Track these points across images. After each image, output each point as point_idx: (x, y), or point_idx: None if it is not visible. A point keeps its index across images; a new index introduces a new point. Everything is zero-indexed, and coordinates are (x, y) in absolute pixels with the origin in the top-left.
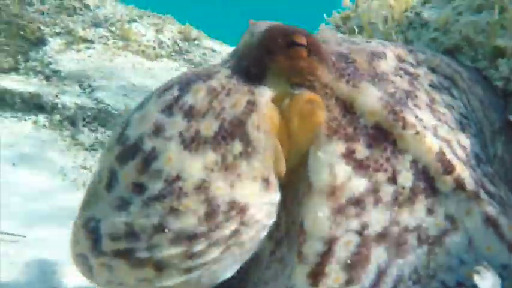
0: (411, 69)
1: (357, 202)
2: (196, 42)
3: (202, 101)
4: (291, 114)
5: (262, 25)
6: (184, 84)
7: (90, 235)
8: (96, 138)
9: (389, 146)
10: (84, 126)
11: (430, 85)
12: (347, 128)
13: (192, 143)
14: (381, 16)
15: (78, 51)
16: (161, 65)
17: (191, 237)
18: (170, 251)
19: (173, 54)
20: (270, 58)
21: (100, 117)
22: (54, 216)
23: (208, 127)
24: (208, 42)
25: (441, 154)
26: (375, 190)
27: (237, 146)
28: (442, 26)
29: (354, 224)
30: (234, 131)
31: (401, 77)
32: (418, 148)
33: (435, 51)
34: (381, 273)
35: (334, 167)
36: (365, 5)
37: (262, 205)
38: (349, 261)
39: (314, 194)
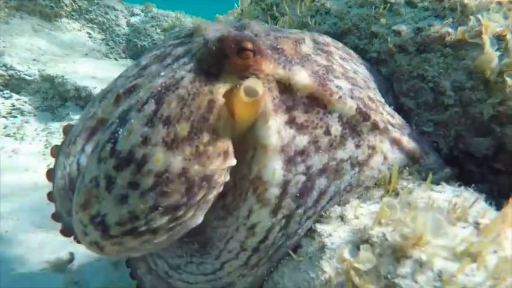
0: (325, 48)
1: (302, 152)
2: (96, 0)
3: (175, 109)
4: (240, 96)
5: (214, 32)
6: (158, 98)
7: (99, 227)
8: (13, 105)
9: (321, 109)
10: None
11: (340, 58)
12: (287, 101)
13: (172, 143)
14: (298, 4)
15: None
16: (62, 26)
17: (175, 207)
18: (161, 221)
19: (73, 14)
20: (226, 61)
21: (12, 83)
22: None
23: (183, 128)
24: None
25: (359, 109)
26: (314, 142)
27: (206, 137)
28: (339, 15)
29: (301, 168)
30: (201, 126)
31: (319, 55)
32: (342, 108)
33: (335, 31)
34: (321, 194)
35: (281, 132)
36: None
37: (222, 171)
38: (298, 194)
39: (269, 153)
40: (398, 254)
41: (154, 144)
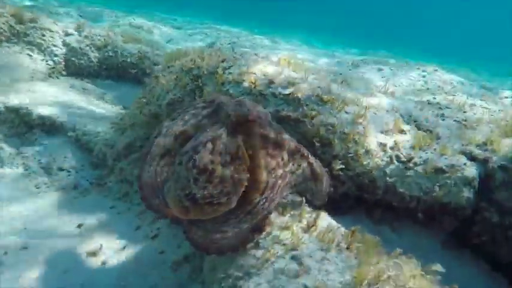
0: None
1: (273, 169)
2: (32, 24)
3: (223, 147)
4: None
5: (230, 104)
6: (213, 141)
7: (191, 199)
8: None
9: (281, 149)
10: None
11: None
12: (268, 148)
13: (225, 163)
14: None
15: None
16: (3, 50)
17: (228, 193)
18: (223, 199)
19: (12, 38)
20: (240, 126)
21: None
22: None
23: (228, 156)
24: (44, 22)
25: (297, 147)
26: (278, 163)
27: (237, 162)
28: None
29: (272, 175)
30: (235, 156)
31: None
32: (289, 147)
33: None
34: (278, 186)
35: (264, 173)
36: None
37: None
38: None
39: (255, 188)
40: None
41: (217, 164)
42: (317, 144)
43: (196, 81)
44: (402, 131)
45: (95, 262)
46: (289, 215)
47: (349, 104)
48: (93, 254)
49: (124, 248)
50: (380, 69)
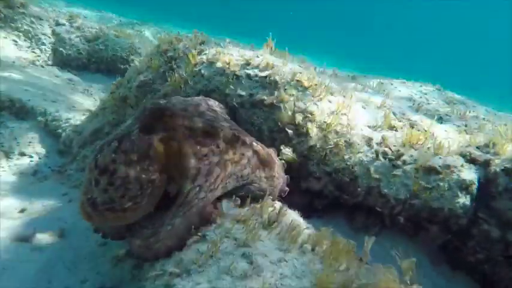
0: (214, 107)
1: (205, 155)
2: (21, 10)
3: (129, 146)
4: (166, 143)
5: (148, 106)
6: (119, 140)
7: (91, 204)
8: None
9: (213, 137)
10: None
11: (220, 112)
12: (197, 137)
13: (130, 163)
14: (185, 65)
15: None
16: None
17: (136, 196)
18: (128, 204)
19: None
20: (157, 121)
21: None
22: None
23: (134, 155)
24: (34, 10)
25: (234, 134)
26: (211, 150)
27: (147, 161)
28: (208, 79)
29: (206, 162)
30: (144, 156)
31: (209, 111)
32: (225, 135)
33: (206, 90)
34: (217, 176)
35: (192, 160)
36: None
37: (160, 179)
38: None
39: (185, 176)
40: None
41: (119, 163)
42: (290, 133)
43: (170, 63)
44: (393, 128)
45: (24, 248)
46: (248, 208)
47: (334, 93)
48: (25, 239)
49: (61, 236)
50: (381, 83)
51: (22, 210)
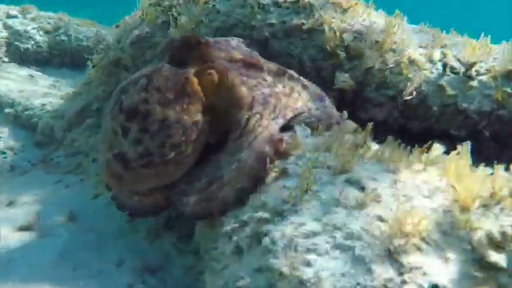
0: (243, 47)
1: (255, 85)
2: None
3: (163, 83)
4: (203, 76)
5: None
6: (148, 76)
7: (121, 161)
8: None
9: (257, 69)
10: None
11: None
12: (239, 69)
13: (165, 102)
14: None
15: None
16: None
17: (178, 144)
18: (170, 155)
19: None
20: (190, 51)
21: None
22: None
23: (170, 93)
24: None
25: (279, 68)
26: (259, 82)
27: (185, 100)
28: (226, 13)
29: (259, 91)
30: (182, 93)
31: (242, 45)
32: (269, 67)
33: (225, 26)
34: (274, 107)
35: (243, 88)
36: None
37: (203, 120)
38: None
39: (238, 106)
40: None
41: (153, 103)
42: (342, 56)
43: (169, 11)
44: (445, 46)
45: (29, 236)
46: (323, 136)
47: (376, 16)
48: (27, 228)
49: (72, 219)
50: None
51: (10, 203)
